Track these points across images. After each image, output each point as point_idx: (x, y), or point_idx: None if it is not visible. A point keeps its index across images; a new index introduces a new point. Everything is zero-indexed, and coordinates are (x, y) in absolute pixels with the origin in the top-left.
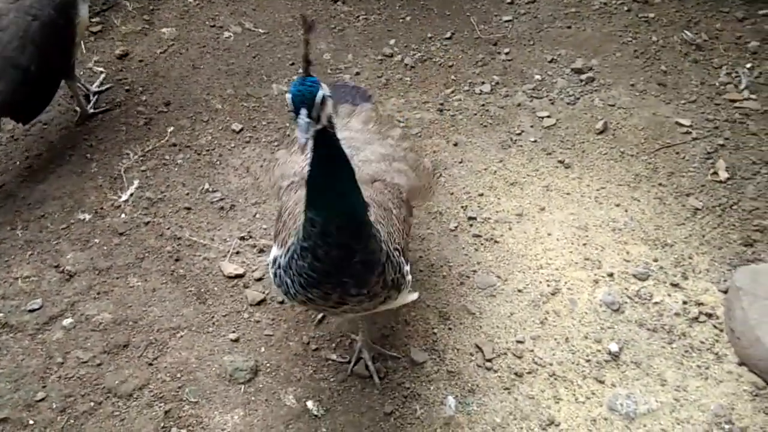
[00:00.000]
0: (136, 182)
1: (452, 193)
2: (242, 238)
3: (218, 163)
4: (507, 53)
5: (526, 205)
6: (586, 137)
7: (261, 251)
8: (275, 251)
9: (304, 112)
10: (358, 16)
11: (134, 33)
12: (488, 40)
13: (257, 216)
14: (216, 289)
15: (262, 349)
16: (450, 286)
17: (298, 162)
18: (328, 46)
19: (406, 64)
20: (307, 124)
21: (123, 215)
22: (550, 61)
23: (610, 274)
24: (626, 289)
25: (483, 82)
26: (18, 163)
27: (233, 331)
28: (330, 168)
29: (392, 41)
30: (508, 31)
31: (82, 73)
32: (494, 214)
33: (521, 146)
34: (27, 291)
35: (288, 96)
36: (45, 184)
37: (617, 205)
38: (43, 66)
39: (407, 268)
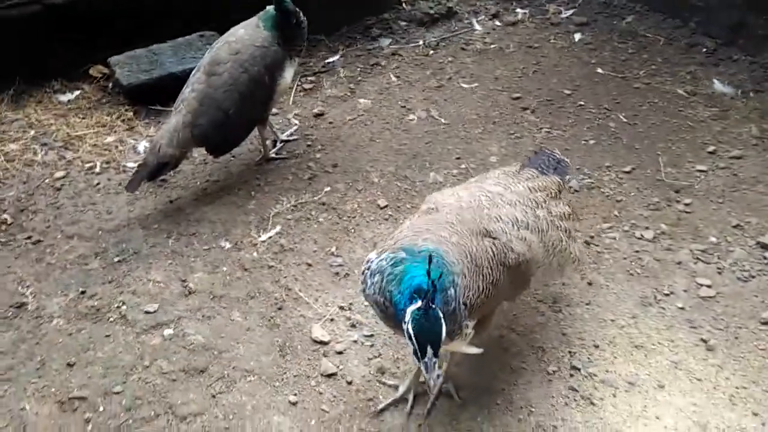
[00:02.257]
0: (278, 227)
1: (564, 334)
2: (342, 308)
3: (352, 230)
4: (687, 204)
5: (643, 375)
6: (746, 323)
7: (353, 326)
8: (373, 254)
9: (430, 352)
10: (540, 128)
11: (336, 97)
12: (671, 186)
13: None
14: (299, 347)
15: (312, 422)
16: None
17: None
18: (498, 149)
19: (571, 187)
20: (435, 364)
21: (255, 253)
22: (735, 227)
23: None
24: None
25: (647, 228)
26: (198, 183)
27: (295, 394)
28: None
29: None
30: (697, 182)
31: (280, 121)
32: (603, 372)
33: (663, 309)
34: (152, 294)
35: (409, 329)
36: (208, 207)
37: (755, 414)
38: (241, 113)
39: (468, 322)
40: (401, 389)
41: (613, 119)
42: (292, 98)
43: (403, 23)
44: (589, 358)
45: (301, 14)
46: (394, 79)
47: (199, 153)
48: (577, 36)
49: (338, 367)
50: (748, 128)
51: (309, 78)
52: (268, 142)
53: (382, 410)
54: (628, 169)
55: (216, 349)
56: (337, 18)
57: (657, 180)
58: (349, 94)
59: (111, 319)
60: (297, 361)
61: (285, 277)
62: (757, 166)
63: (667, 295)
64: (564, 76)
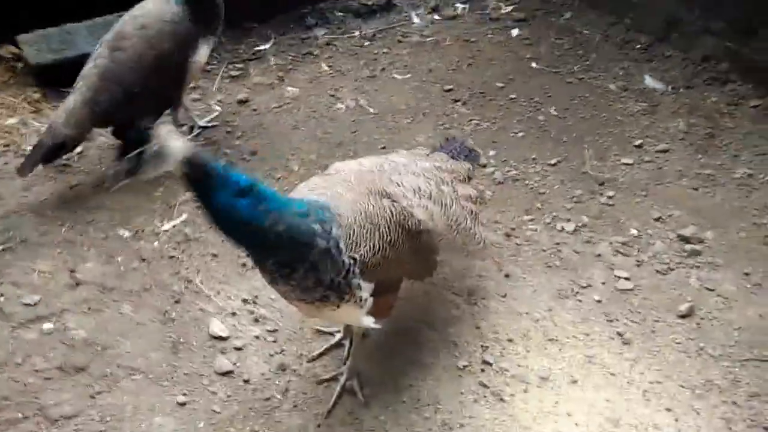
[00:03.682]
0: (184, 215)
1: (478, 327)
2: (245, 301)
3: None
4: (610, 197)
5: (556, 370)
6: (663, 317)
7: (256, 321)
8: None
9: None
10: (470, 120)
11: (264, 85)
12: (595, 179)
13: None
14: (194, 344)
15: (201, 425)
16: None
17: None
18: (426, 139)
19: (495, 179)
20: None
21: (156, 243)
22: (656, 219)
23: None
24: None
25: (568, 220)
26: (103, 168)
27: (184, 394)
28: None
29: (493, 152)
30: (621, 175)
31: (201, 107)
32: (515, 367)
33: (580, 302)
34: (35, 285)
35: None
36: (111, 194)
37: (668, 410)
38: (148, 92)
39: (361, 282)
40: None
41: (543, 113)
42: (216, 84)
43: (340, 14)
44: (501, 353)
45: None
46: (326, 68)
47: (108, 136)
48: (515, 31)
49: (235, 364)
50: (676, 123)
51: (236, 65)
52: (184, 128)
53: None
54: (553, 161)
55: (99, 345)
56: (270, 6)
57: (582, 173)
58: (277, 81)
59: None
60: (190, 358)
61: (186, 268)
62: (683, 159)
63: (584, 287)
64: (498, 70)
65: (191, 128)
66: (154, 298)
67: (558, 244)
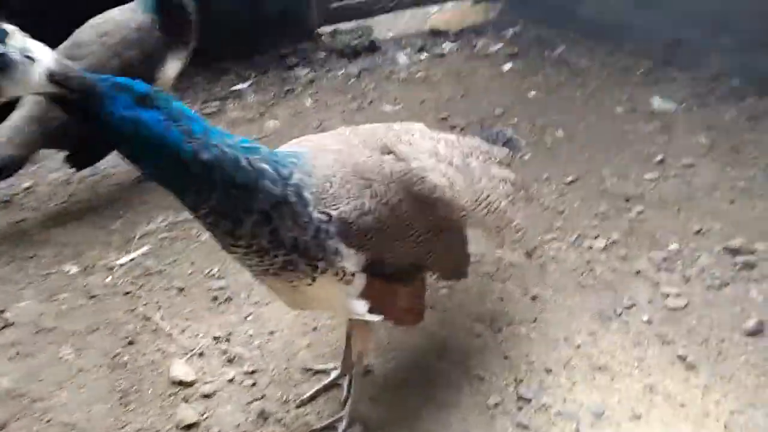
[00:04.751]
0: (145, 248)
1: (507, 357)
2: (217, 339)
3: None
4: (639, 212)
5: (612, 403)
6: (729, 336)
7: (230, 361)
8: None
9: None
10: None
11: (243, 120)
12: (618, 195)
13: (250, 318)
14: (150, 392)
15: None
16: None
17: None
18: None
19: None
20: None
21: (109, 278)
22: (697, 233)
23: None
24: None
25: (597, 236)
26: (54, 204)
27: None
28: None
29: None
30: (647, 190)
31: None
32: (560, 403)
33: (627, 323)
34: None
35: None
36: (60, 228)
37: None
38: None
39: (341, 248)
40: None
41: (549, 135)
42: None
43: (322, 54)
44: (540, 386)
45: None
46: (310, 102)
47: (64, 172)
48: (508, 66)
49: (203, 415)
50: (696, 138)
51: (212, 103)
52: None
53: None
54: (569, 180)
55: (27, 397)
56: (249, 45)
57: (602, 190)
58: (258, 116)
59: None
60: (144, 410)
61: (145, 304)
62: (712, 172)
63: (628, 307)
64: (494, 100)
65: None
66: (102, 340)
67: (589, 262)
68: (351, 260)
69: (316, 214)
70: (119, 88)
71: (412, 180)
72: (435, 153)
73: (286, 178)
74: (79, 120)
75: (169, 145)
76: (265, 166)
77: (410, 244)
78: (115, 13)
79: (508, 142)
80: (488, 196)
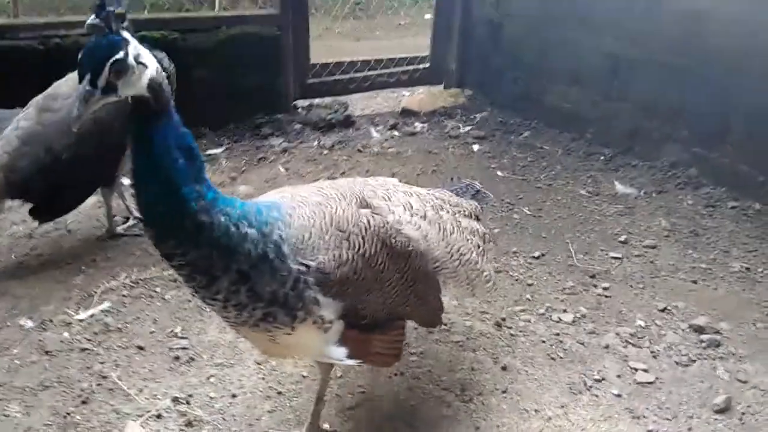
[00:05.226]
0: (106, 304)
1: (477, 428)
2: (176, 400)
3: (207, 309)
4: (605, 288)
5: None
6: (699, 413)
7: (189, 424)
8: None
9: (87, 78)
10: None
11: (215, 183)
12: (585, 271)
13: (212, 380)
14: None
15: None
16: None
17: None
18: None
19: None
20: (85, 93)
21: (66, 333)
22: (662, 310)
23: None
24: None
25: (565, 310)
26: (14, 257)
27: None
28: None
29: None
30: (612, 267)
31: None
32: None
33: (597, 396)
34: None
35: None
36: (17, 282)
37: None
38: (79, 161)
39: (319, 297)
40: None
41: (516, 212)
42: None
43: (297, 126)
44: None
45: (167, 58)
46: (282, 170)
47: (25, 226)
48: (476, 146)
49: None
50: (658, 221)
51: None
52: (117, 218)
53: None
54: (536, 254)
55: None
56: (224, 113)
57: (569, 265)
58: (229, 180)
59: None
60: None
61: (102, 362)
62: (674, 254)
63: (598, 381)
64: (464, 176)
65: (126, 219)
66: (54, 398)
67: (558, 334)
68: (329, 308)
69: (294, 266)
70: (179, 125)
71: (388, 233)
72: (409, 206)
73: (267, 236)
74: (134, 125)
75: (180, 194)
76: (251, 231)
77: (385, 293)
78: None
79: (475, 195)
80: (459, 248)
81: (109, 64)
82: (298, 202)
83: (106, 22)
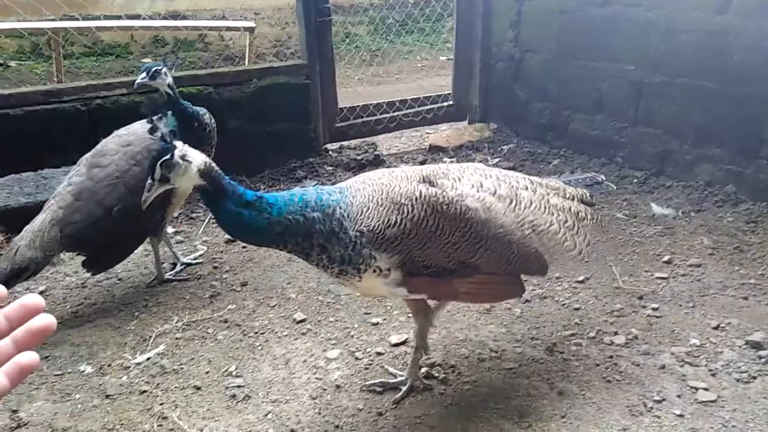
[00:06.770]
0: (161, 347)
1: None
2: None
3: (260, 347)
4: (655, 309)
5: None
6: (766, 429)
7: None
8: None
9: (149, 173)
10: None
11: None
12: (632, 293)
13: (269, 416)
14: None
15: None
16: None
17: None
18: None
19: (524, 298)
20: (148, 184)
21: (125, 377)
22: (715, 328)
23: None
24: None
25: (616, 333)
26: (69, 307)
27: None
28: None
29: None
30: (660, 288)
31: (185, 248)
32: None
33: (659, 417)
34: None
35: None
36: (75, 330)
37: None
38: (128, 213)
39: (374, 253)
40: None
41: None
42: (201, 229)
43: (329, 167)
44: None
45: (207, 115)
46: None
47: (77, 276)
48: None
49: None
50: (700, 240)
51: None
52: (165, 265)
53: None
54: (581, 278)
55: None
56: (259, 160)
57: (615, 288)
58: None
59: None
60: None
61: (162, 404)
62: (720, 272)
63: (658, 402)
64: None
65: (174, 264)
66: None
67: (611, 357)
68: (384, 261)
69: (352, 233)
70: (236, 193)
71: (440, 201)
72: (479, 185)
73: (331, 215)
74: (206, 203)
75: (253, 228)
76: (316, 215)
77: (447, 248)
78: (137, 126)
79: (594, 185)
80: (533, 220)
81: (158, 163)
82: (367, 184)
83: (161, 139)
